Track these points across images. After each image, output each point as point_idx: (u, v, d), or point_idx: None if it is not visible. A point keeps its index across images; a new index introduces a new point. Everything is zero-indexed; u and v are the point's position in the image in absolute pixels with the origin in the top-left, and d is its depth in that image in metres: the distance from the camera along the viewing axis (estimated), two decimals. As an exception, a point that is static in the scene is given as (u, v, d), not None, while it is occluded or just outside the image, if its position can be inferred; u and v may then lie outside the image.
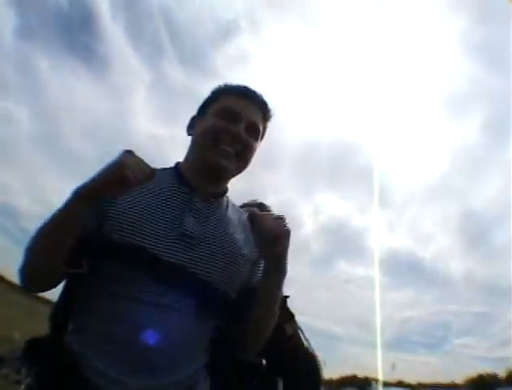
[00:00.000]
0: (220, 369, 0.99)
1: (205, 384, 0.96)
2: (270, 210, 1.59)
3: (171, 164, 1.07)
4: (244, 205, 1.44)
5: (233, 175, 1.06)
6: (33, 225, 0.91)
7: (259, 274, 1.01)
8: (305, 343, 1.44)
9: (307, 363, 1.39)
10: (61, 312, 0.95)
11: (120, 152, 0.86)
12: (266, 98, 1.06)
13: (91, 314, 0.90)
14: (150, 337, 0.85)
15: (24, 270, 0.89)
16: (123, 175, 0.80)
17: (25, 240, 0.89)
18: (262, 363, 1.07)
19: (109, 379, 0.83)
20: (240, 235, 1.01)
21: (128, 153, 0.85)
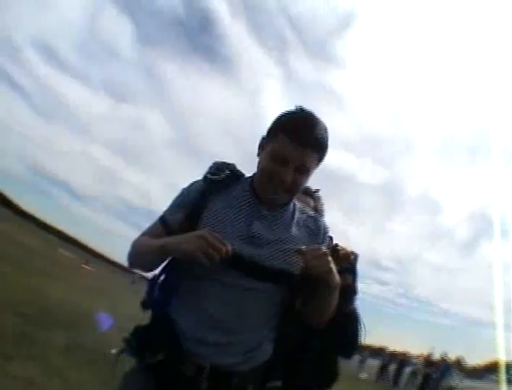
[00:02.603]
0: (286, 335, 1.28)
1: (269, 344, 1.24)
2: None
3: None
4: (304, 191, 1.60)
5: (291, 199, 1.28)
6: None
7: None
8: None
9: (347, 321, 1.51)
10: (162, 287, 1.28)
11: (202, 230, 1.12)
12: (323, 133, 1.16)
13: (183, 293, 1.23)
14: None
15: (129, 262, 1.30)
16: (195, 255, 1.05)
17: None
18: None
19: (194, 338, 1.15)
20: (303, 234, 1.26)
21: (208, 232, 1.08)
